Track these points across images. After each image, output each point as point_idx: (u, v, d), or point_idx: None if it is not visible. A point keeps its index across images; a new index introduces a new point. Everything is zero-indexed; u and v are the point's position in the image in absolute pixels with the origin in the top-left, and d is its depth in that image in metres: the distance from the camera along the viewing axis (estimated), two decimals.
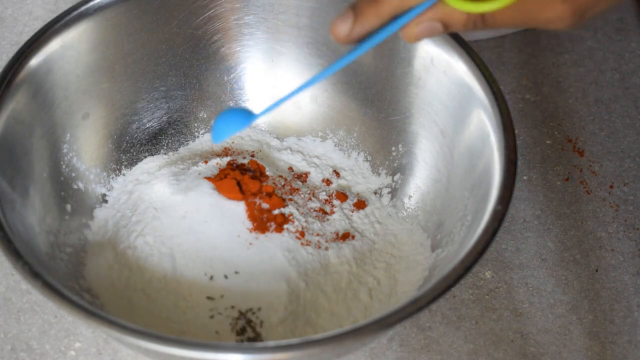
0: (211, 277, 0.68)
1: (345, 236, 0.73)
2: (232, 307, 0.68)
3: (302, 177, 0.77)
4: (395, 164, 0.77)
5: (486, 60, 0.71)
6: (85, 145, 0.74)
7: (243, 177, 0.73)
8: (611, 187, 0.81)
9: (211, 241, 0.70)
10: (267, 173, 0.75)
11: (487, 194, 0.65)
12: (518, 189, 0.80)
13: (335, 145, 0.79)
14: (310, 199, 0.74)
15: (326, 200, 0.75)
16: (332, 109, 0.79)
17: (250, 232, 0.70)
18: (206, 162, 0.76)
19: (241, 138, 0.79)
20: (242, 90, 0.80)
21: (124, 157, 0.77)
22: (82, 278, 0.69)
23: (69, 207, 0.71)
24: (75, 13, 0.72)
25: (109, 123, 0.75)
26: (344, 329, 0.59)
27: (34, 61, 0.69)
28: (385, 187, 0.77)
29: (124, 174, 0.76)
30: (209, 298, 0.68)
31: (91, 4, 0.72)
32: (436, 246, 0.71)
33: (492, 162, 0.66)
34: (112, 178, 0.76)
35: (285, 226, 0.71)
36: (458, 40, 0.71)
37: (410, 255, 0.72)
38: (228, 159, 0.76)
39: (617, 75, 0.89)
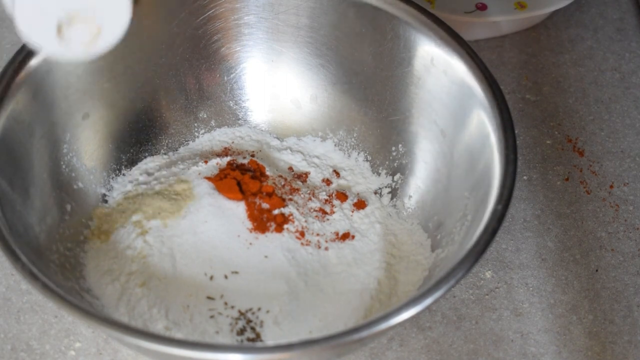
0: (211, 277, 0.69)
1: (345, 236, 0.73)
2: (232, 307, 0.68)
3: (302, 177, 0.77)
4: (395, 164, 0.77)
5: (486, 60, 0.71)
6: (85, 145, 0.74)
7: (243, 177, 0.73)
8: (611, 187, 0.81)
9: (211, 241, 0.70)
10: (267, 173, 0.75)
11: (487, 194, 0.65)
12: (518, 189, 0.80)
13: (335, 145, 0.79)
14: (310, 199, 0.74)
15: (326, 200, 0.75)
16: (332, 109, 0.79)
17: (250, 232, 0.71)
18: (206, 162, 0.76)
19: (241, 138, 0.79)
20: (242, 90, 0.80)
21: (124, 157, 0.77)
22: (82, 278, 0.69)
23: (69, 207, 0.71)
24: None
25: (109, 123, 0.75)
26: (344, 329, 0.59)
27: (34, 61, 0.69)
28: (386, 187, 0.77)
29: (124, 174, 0.76)
30: (209, 298, 0.68)
31: None
32: (436, 246, 0.71)
33: (492, 162, 0.66)
34: (112, 178, 0.76)
35: (285, 226, 0.71)
36: (458, 40, 0.71)
37: (411, 255, 0.72)
38: (228, 159, 0.76)
39: (617, 75, 0.90)
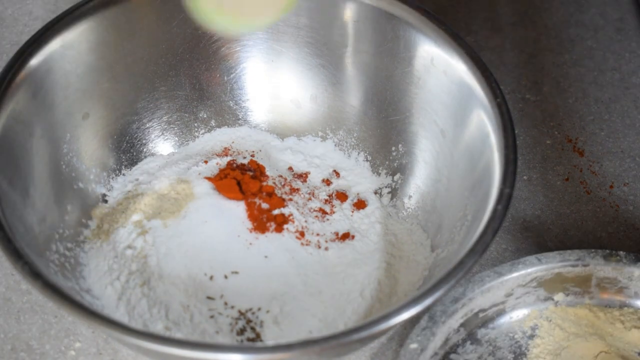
0: (211, 277, 0.69)
1: (345, 236, 0.73)
2: (232, 307, 0.68)
3: (302, 177, 0.77)
4: (395, 164, 0.77)
5: (486, 60, 0.71)
6: (85, 145, 0.74)
7: (243, 177, 0.73)
8: (611, 187, 0.81)
9: (211, 241, 0.70)
10: (267, 173, 0.75)
11: (487, 194, 0.65)
12: (518, 189, 0.80)
13: (335, 145, 0.79)
14: (310, 199, 0.74)
15: (326, 200, 0.75)
16: (332, 109, 0.79)
17: (250, 232, 0.71)
18: (206, 162, 0.76)
19: (241, 138, 0.80)
20: (242, 90, 0.80)
21: (124, 157, 0.77)
22: (82, 278, 0.69)
23: (69, 207, 0.71)
24: (75, 13, 0.72)
25: (109, 123, 0.75)
26: (344, 329, 0.59)
27: (34, 61, 0.69)
28: (386, 187, 0.77)
29: (124, 174, 0.76)
30: (208, 298, 0.68)
31: (91, 4, 0.72)
32: (436, 246, 0.71)
33: (492, 162, 0.66)
34: (112, 178, 0.76)
35: (285, 226, 0.71)
36: (458, 41, 0.71)
37: (410, 255, 0.72)
38: (228, 159, 0.76)
39: (617, 75, 0.89)
